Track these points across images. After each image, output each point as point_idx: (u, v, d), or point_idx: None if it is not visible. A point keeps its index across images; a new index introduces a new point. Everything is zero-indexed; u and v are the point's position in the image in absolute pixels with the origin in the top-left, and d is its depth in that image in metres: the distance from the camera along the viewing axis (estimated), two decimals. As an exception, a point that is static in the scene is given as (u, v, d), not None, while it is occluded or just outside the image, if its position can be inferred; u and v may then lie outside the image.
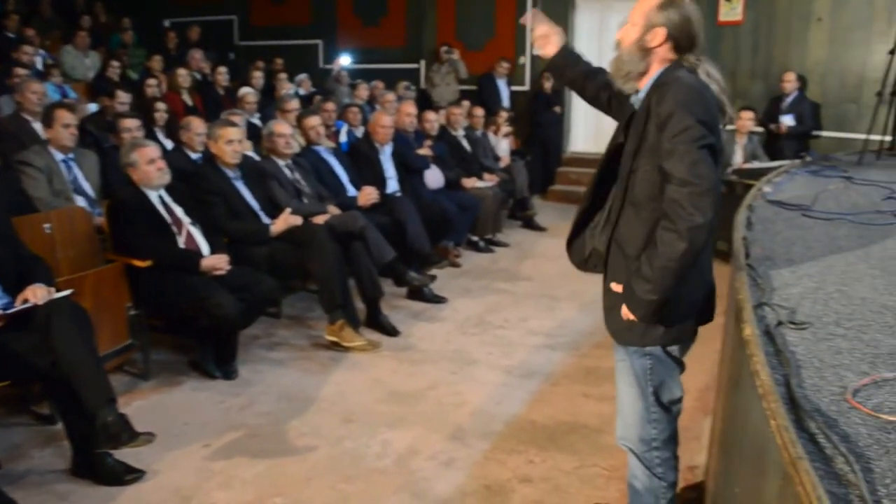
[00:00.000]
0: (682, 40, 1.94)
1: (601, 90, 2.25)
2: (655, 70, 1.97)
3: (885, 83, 5.11)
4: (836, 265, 2.20)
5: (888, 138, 5.48)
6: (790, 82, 7.25)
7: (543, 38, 2.27)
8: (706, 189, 1.73)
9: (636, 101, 2.02)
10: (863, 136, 5.38)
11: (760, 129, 7.01)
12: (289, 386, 3.69)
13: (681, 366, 2.07)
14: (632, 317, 1.91)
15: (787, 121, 7.09)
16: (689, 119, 1.76)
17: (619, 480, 2.88)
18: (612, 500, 2.74)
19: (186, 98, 6.62)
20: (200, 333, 3.70)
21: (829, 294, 1.91)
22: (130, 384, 3.63)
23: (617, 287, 1.98)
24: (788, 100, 7.27)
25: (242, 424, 3.29)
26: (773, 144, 6.99)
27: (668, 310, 1.85)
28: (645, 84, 1.99)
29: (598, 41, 8.98)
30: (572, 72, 2.29)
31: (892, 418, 1.22)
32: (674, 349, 2.02)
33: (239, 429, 3.25)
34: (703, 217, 1.72)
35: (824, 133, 7.30)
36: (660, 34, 1.93)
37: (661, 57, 1.96)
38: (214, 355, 3.73)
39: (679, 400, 2.08)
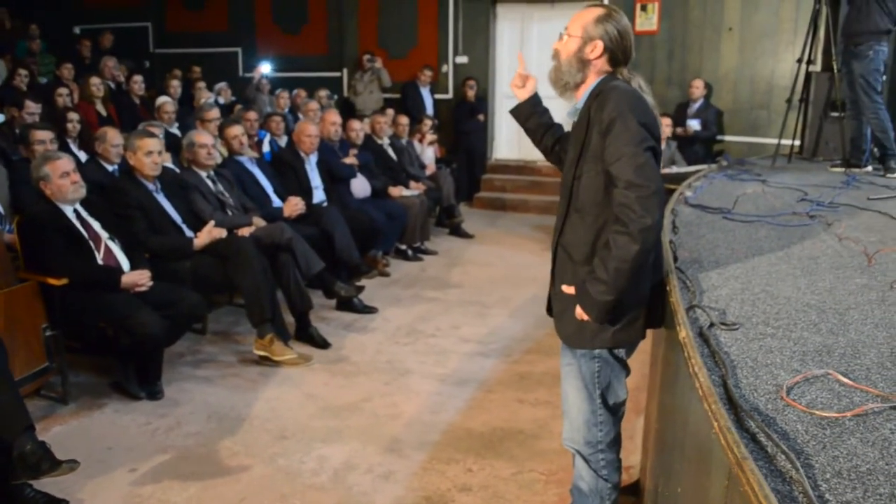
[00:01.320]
0: (617, 53, 2.03)
1: (556, 143, 2.33)
2: (592, 81, 2.05)
3: (794, 90, 5.37)
4: (759, 266, 2.29)
5: (797, 142, 5.77)
6: (698, 89, 7.56)
7: (522, 81, 2.32)
8: (653, 191, 1.79)
9: (573, 112, 2.09)
10: (773, 141, 5.65)
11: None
12: (218, 404, 3.58)
13: (626, 368, 2.12)
14: (586, 317, 1.95)
15: (694, 125, 7.40)
16: (632, 123, 1.83)
17: (556, 484, 2.91)
18: (550, 504, 2.77)
19: (100, 108, 6.34)
20: (122, 353, 3.54)
21: (755, 295, 1.98)
22: (49, 409, 3.44)
23: (568, 289, 2.01)
24: (695, 106, 7.60)
25: (171, 446, 3.16)
26: (686, 148, 7.26)
27: (618, 309, 1.91)
28: (582, 94, 2.07)
29: (520, 49, 9.12)
30: (536, 121, 2.35)
31: (825, 414, 1.26)
32: (620, 352, 2.07)
33: (167, 451, 3.12)
34: (653, 218, 1.79)
35: (738, 138, 7.63)
36: (598, 47, 2.01)
37: (598, 69, 2.05)
38: (137, 375, 3.58)
39: (623, 402, 2.13)
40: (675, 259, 2.31)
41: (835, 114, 5.53)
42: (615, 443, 2.17)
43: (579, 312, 1.96)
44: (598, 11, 2.04)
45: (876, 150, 5.02)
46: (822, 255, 2.47)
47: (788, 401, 1.31)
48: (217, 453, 3.13)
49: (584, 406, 2.11)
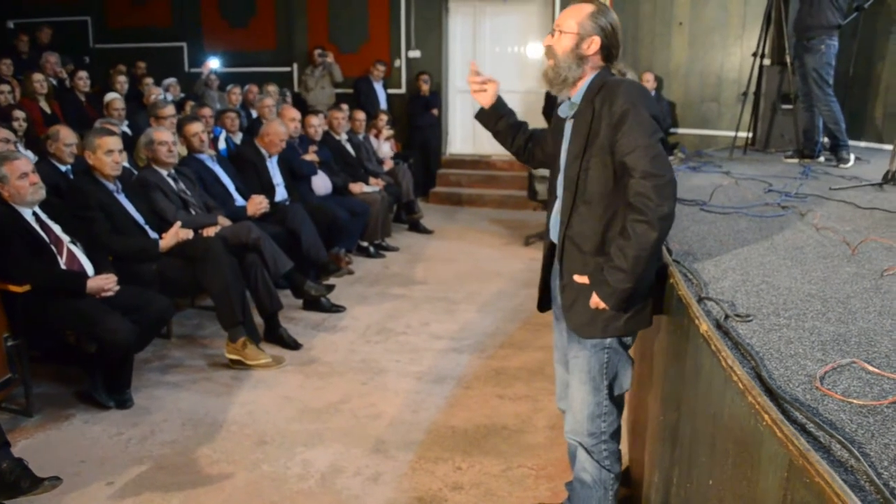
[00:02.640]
0: (611, 48, 2.06)
1: (528, 141, 2.38)
2: (588, 76, 2.07)
3: (750, 84, 5.51)
4: (751, 257, 2.32)
5: (749, 134, 5.93)
6: (649, 82, 7.69)
7: (482, 86, 2.33)
8: (668, 180, 1.84)
9: (569, 106, 2.10)
10: (723, 133, 5.80)
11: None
12: (191, 410, 3.46)
13: (631, 358, 2.14)
14: (602, 306, 1.97)
15: None
16: (644, 114, 1.88)
17: (546, 479, 2.91)
18: (544, 499, 2.76)
19: (44, 105, 6.07)
20: (88, 361, 3.39)
21: (756, 286, 2.00)
22: (13, 422, 3.27)
23: (581, 279, 2.02)
24: (647, 98, 7.72)
25: (146, 456, 3.04)
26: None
27: (633, 297, 1.96)
28: (577, 90, 2.08)
29: (472, 45, 9.14)
30: (505, 123, 2.38)
31: (862, 403, 1.28)
32: (629, 340, 2.11)
33: (143, 462, 3.00)
34: (669, 206, 1.85)
35: (689, 130, 7.80)
36: (595, 42, 2.03)
37: (594, 64, 2.07)
38: (105, 383, 3.43)
39: (624, 393, 2.15)
40: (670, 252, 2.32)
41: (786, 106, 5.70)
42: (617, 433, 2.20)
43: (595, 301, 1.98)
44: (591, 7, 2.05)
45: (827, 140, 5.19)
46: (805, 245, 2.52)
47: (824, 390, 1.32)
48: (196, 462, 3.03)
49: (588, 398, 2.12)
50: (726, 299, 1.87)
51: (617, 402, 2.13)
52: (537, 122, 8.20)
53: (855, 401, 1.29)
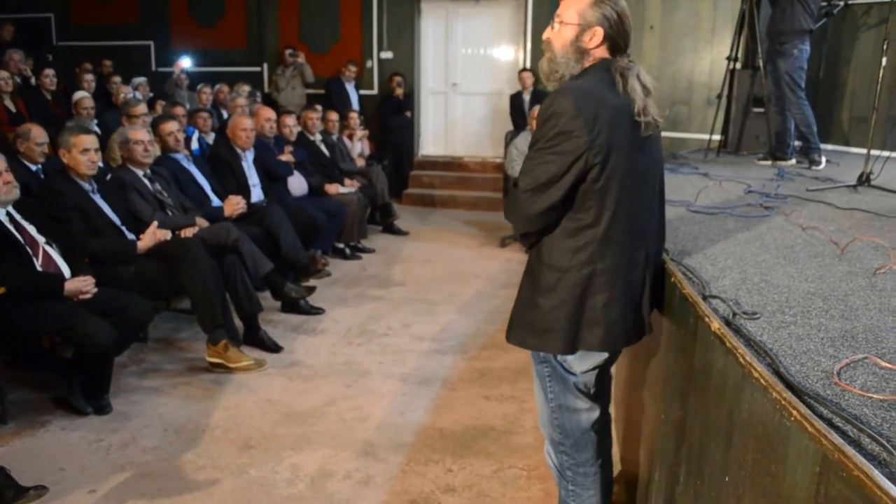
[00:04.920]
0: (618, 39, 1.90)
1: None
2: None
3: (724, 87, 5.59)
4: (745, 256, 2.35)
5: (720, 137, 6.03)
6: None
7: None
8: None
9: None
10: (693, 136, 5.89)
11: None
12: (173, 415, 3.38)
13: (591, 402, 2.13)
14: None
15: None
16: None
17: (538, 479, 2.91)
18: (537, 500, 2.76)
19: (9, 103, 5.89)
20: (63, 366, 3.29)
21: (756, 284, 2.02)
22: (-14, 431, 3.17)
23: None
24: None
25: (129, 463, 2.96)
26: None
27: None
28: None
29: (444, 46, 9.14)
30: None
31: (882, 397, 1.29)
32: (575, 378, 2.06)
33: (126, 469, 2.92)
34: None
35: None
36: (598, 34, 1.87)
37: (596, 57, 1.92)
38: (83, 388, 3.33)
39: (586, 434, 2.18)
40: (667, 251, 2.33)
41: (758, 109, 5.80)
42: (588, 461, 2.20)
43: None
44: None
45: (798, 143, 5.29)
46: (794, 244, 2.55)
47: (843, 385, 1.33)
48: (181, 468, 2.95)
49: (542, 401, 2.14)
50: (730, 298, 1.88)
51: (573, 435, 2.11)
52: (505, 124, 8.23)
53: (875, 395, 1.30)
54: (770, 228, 2.82)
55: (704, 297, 1.85)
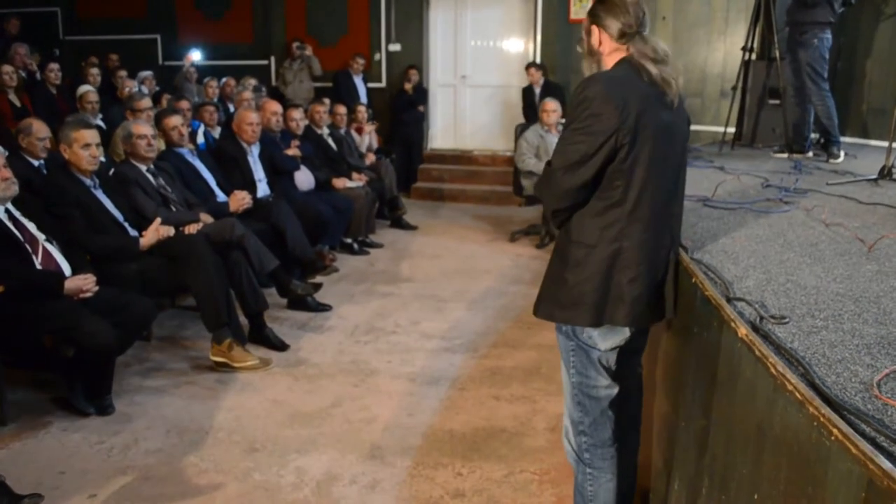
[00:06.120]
0: (622, 27, 1.97)
1: None
2: (609, 66, 2.02)
3: (739, 79, 5.46)
4: (769, 255, 2.24)
5: (734, 130, 5.89)
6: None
7: None
8: None
9: None
10: (706, 128, 5.75)
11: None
12: (176, 416, 3.31)
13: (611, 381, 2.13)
14: None
15: None
16: None
17: (551, 484, 2.82)
18: (550, 507, 2.67)
19: (13, 98, 5.82)
20: (65, 366, 3.22)
21: (782, 285, 1.92)
22: (-15, 433, 3.10)
23: None
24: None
25: (130, 466, 2.89)
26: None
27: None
28: None
29: (453, 38, 9.02)
30: None
31: (928, 413, 1.20)
32: (598, 353, 2.06)
33: (127, 472, 2.85)
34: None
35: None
36: (595, 32, 2.01)
37: (609, 51, 2.01)
38: (84, 389, 3.26)
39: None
40: (686, 249, 2.23)
41: (773, 101, 5.66)
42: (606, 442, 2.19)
43: None
44: None
45: (817, 136, 5.16)
46: (818, 241, 2.45)
47: (885, 399, 1.23)
48: (184, 471, 2.88)
49: (566, 382, 2.17)
50: (755, 300, 1.78)
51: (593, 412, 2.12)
52: (515, 117, 8.11)
53: (919, 411, 1.20)
54: (792, 224, 2.71)
55: (729, 300, 1.75)
